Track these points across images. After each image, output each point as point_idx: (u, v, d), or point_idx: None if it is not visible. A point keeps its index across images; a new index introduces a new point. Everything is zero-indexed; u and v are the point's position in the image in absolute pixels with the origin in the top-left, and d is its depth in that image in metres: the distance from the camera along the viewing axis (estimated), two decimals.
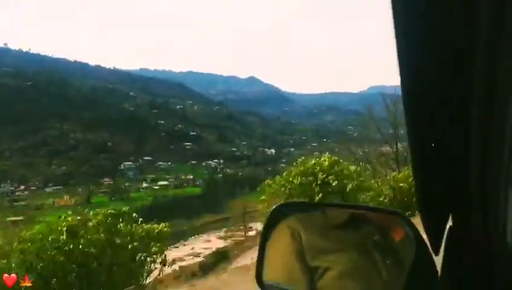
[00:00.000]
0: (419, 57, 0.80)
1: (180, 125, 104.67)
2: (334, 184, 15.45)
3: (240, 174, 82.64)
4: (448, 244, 1.12)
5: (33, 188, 71.90)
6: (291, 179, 16.00)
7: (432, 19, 0.75)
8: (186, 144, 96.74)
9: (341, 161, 17.58)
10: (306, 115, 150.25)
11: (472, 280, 1.05)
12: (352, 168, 16.94)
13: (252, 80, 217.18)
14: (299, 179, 15.79)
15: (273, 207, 1.41)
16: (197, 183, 79.12)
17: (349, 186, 15.58)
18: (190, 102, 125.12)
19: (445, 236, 1.12)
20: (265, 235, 1.40)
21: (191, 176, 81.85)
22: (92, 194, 70.36)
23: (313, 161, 16.45)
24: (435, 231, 1.14)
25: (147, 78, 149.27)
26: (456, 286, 1.10)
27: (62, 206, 65.00)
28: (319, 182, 15.59)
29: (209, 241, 54.81)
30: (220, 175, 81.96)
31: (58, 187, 72.68)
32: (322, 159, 16.60)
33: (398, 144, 23.66)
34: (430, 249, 1.15)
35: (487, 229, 1.01)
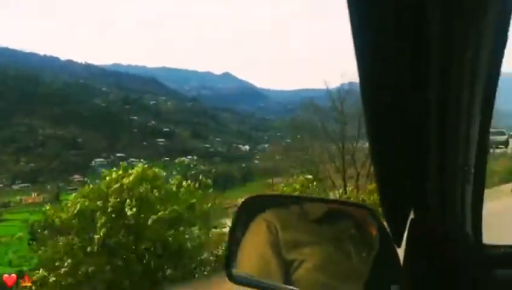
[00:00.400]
0: (376, 55, 0.78)
1: (153, 122, 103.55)
2: (130, 213, 9.64)
3: (214, 170, 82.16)
4: (410, 237, 1.13)
5: (0, 185, 69.85)
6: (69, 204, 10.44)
7: (387, 18, 0.73)
8: (159, 140, 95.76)
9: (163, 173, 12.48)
10: (281, 111, 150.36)
11: (433, 270, 1.09)
12: (186, 184, 11.70)
13: (226, 76, 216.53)
14: (83, 203, 9.98)
15: (243, 199, 1.47)
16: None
17: (153, 217, 9.75)
18: (164, 98, 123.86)
19: (407, 229, 1.13)
20: (234, 229, 1.45)
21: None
22: (61, 191, 68.87)
23: (114, 174, 10.72)
24: (397, 224, 1.15)
25: (119, 74, 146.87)
26: (417, 277, 1.12)
27: (30, 203, 63.66)
28: (109, 209, 9.81)
29: None
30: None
31: (26, 184, 70.89)
32: (133, 170, 10.91)
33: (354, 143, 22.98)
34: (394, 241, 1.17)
35: (446, 223, 1.06)
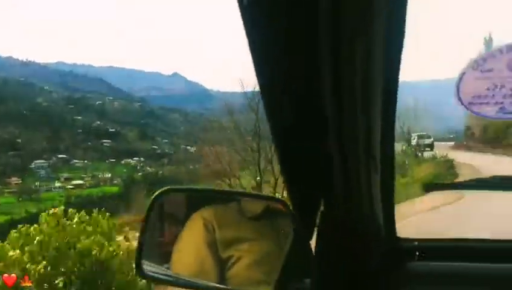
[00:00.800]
0: (274, 57, 0.78)
1: (98, 122, 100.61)
2: None
3: (161, 172, 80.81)
4: (320, 230, 1.14)
5: None
6: None
7: (279, 23, 0.72)
8: (105, 141, 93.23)
9: None
10: (230, 112, 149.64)
11: (342, 263, 1.11)
12: None
13: (175, 77, 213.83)
14: None
15: (156, 193, 1.46)
16: (115, 182, 76.56)
17: None
18: (110, 98, 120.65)
19: (317, 222, 1.14)
20: (146, 222, 1.45)
21: (109, 175, 79.14)
22: None
23: None
24: (308, 217, 1.16)
25: (64, 72, 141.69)
26: (328, 270, 1.14)
27: None
28: None
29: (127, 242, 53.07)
30: (140, 174, 79.67)
31: None
32: None
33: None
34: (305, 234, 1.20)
35: (356, 216, 1.07)
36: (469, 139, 30.31)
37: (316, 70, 0.79)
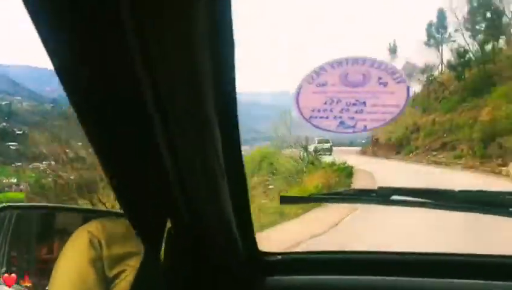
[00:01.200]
0: (81, 66, 0.67)
1: (4, 124, 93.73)
2: None
3: (72, 177, 76.78)
4: (168, 247, 1.11)
5: None
6: None
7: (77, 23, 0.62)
8: (11, 144, 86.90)
9: None
10: None
11: (192, 279, 1.10)
12: None
13: None
14: None
15: None
16: (21, 187, 71.48)
17: None
18: (19, 98, 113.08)
19: (164, 238, 1.11)
20: None
21: (15, 180, 73.76)
22: None
23: None
24: (155, 233, 1.12)
25: None
26: (176, 285, 1.12)
27: None
28: None
29: None
30: (50, 179, 75.18)
31: None
32: None
33: None
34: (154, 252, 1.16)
35: (197, 226, 1.06)
36: (374, 145, 30.96)
37: (131, 68, 0.67)
